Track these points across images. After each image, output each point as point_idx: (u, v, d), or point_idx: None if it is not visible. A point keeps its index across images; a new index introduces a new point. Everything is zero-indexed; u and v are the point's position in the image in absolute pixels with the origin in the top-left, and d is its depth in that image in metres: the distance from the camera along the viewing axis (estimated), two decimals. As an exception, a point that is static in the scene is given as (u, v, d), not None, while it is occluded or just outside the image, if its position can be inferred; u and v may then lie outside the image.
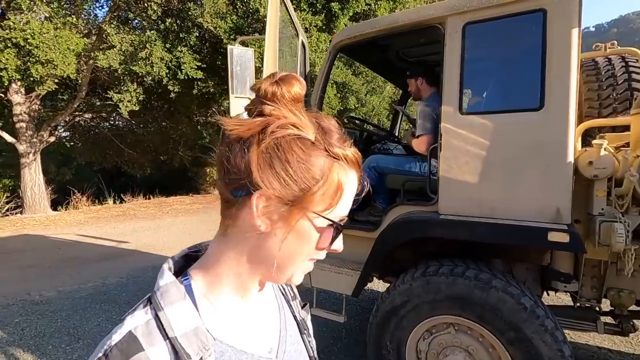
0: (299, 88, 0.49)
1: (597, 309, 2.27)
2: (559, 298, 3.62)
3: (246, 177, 0.47)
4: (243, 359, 0.52)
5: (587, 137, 2.31)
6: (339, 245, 0.53)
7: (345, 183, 0.49)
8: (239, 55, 1.97)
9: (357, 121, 3.49)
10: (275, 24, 1.81)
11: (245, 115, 0.52)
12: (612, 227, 1.72)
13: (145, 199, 13.53)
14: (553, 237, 1.68)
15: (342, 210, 0.50)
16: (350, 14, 8.55)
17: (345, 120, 3.24)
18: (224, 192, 0.50)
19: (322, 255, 0.53)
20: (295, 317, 0.68)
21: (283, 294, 0.70)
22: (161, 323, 0.46)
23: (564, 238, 1.66)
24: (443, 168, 2.04)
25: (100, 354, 0.43)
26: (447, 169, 2.02)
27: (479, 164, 1.93)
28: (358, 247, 2.52)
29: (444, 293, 1.91)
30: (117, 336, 0.45)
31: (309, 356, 0.67)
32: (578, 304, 2.27)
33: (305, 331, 0.69)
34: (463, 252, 2.14)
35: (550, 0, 1.77)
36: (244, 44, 2.50)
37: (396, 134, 4.07)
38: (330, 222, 0.49)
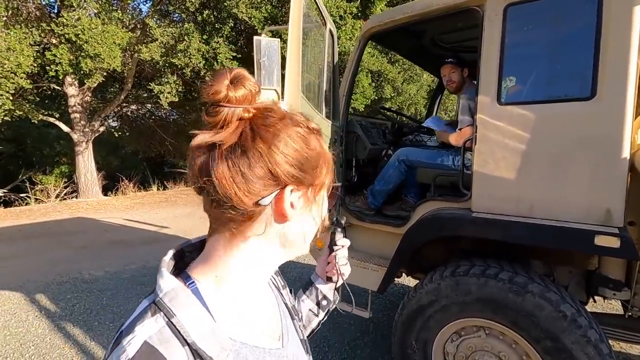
0: (251, 83, 0.50)
1: (652, 320, 2.05)
2: (610, 304, 3.33)
3: (271, 179, 0.49)
4: (257, 354, 0.53)
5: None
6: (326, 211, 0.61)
7: (330, 160, 0.57)
8: (266, 46, 1.95)
9: (387, 112, 3.37)
10: (299, 10, 1.76)
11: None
12: (673, 231, 1.53)
13: (186, 186, 14.17)
14: (601, 241, 1.52)
15: (330, 179, 0.58)
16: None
17: (379, 110, 3.14)
18: (245, 205, 0.48)
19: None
20: (286, 304, 0.71)
21: (275, 285, 0.71)
22: (177, 329, 0.45)
23: (614, 243, 1.49)
24: (478, 162, 1.90)
25: None
26: (482, 164, 1.89)
27: (518, 159, 1.78)
28: (386, 242, 2.46)
29: (474, 295, 1.81)
30: (132, 349, 0.42)
31: (300, 339, 0.69)
32: (630, 314, 2.06)
33: (296, 317, 0.72)
34: (499, 252, 2.01)
35: (608, -26, 1.56)
36: (273, 34, 2.48)
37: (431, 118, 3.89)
38: (333, 187, 0.58)
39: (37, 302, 3.86)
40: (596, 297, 2.20)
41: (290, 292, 0.78)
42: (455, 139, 2.41)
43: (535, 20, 1.81)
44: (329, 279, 0.91)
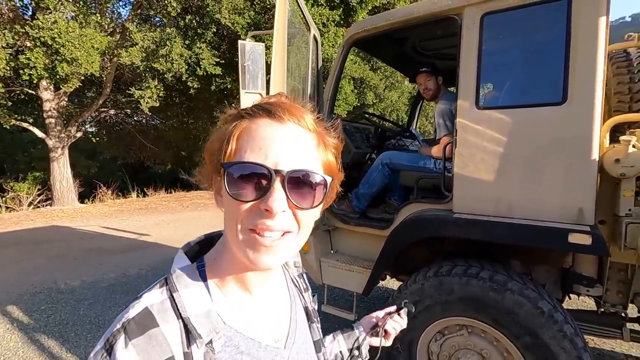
0: None
1: (623, 315, 2.15)
2: (584, 302, 3.46)
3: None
4: (250, 345, 0.53)
5: (615, 134, 2.17)
6: (243, 190, 0.47)
7: (245, 131, 0.50)
8: (251, 51, 1.96)
9: (370, 116, 3.43)
10: (284, 17, 1.78)
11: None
12: (640, 229, 1.62)
13: (167, 193, 13.89)
14: (574, 238, 1.59)
15: (245, 156, 0.48)
16: (369, 8, 8.42)
17: (363, 115, 3.20)
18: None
19: (253, 217, 0.48)
20: (306, 307, 0.71)
21: (296, 286, 0.72)
22: (175, 303, 0.49)
23: (586, 240, 1.57)
24: (458, 165, 1.96)
25: (119, 326, 0.45)
26: (462, 166, 1.95)
27: (496, 161, 1.84)
28: (370, 244, 2.49)
29: (457, 294, 1.85)
30: (134, 311, 0.47)
31: (314, 341, 0.69)
32: (602, 310, 2.16)
33: (315, 319, 0.73)
34: (480, 253, 2.07)
35: (576, -13, 1.66)
36: (257, 39, 2.50)
37: (413, 130, 3.98)
38: (222, 165, 0.49)
39: (9, 314, 3.68)
40: (572, 295, 2.29)
41: (313, 296, 0.78)
42: (435, 151, 2.49)
43: (510, 29, 1.90)
44: (372, 333, 0.91)
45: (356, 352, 0.90)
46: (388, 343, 0.92)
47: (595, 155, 1.62)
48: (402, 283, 2.21)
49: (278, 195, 0.47)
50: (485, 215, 1.86)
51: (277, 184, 0.47)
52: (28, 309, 3.79)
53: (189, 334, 0.48)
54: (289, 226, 0.50)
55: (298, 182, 0.49)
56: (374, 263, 2.26)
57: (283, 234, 0.49)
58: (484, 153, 1.87)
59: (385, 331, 0.91)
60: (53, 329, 3.37)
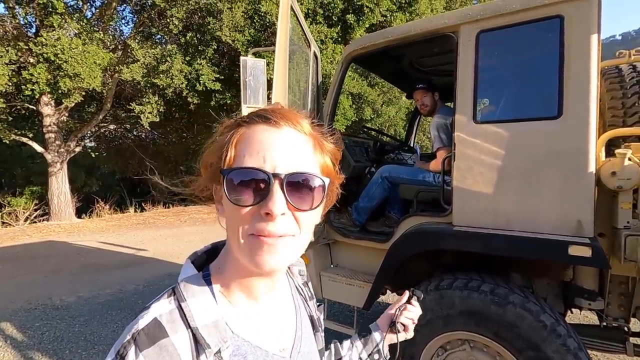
0: None
1: (626, 329, 2.13)
2: (586, 317, 3.43)
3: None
4: (258, 354, 0.53)
5: (611, 147, 2.21)
6: (242, 196, 0.47)
7: (243, 138, 0.51)
8: (252, 66, 2.00)
9: (369, 131, 3.47)
10: (285, 34, 1.83)
11: None
12: (639, 241, 1.62)
13: (165, 208, 13.82)
14: (574, 251, 1.60)
15: (243, 162, 0.49)
16: (366, 25, 8.62)
17: (362, 129, 3.25)
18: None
19: (253, 222, 0.48)
20: (311, 316, 0.71)
21: (300, 294, 0.72)
22: (184, 313, 0.49)
23: (586, 252, 1.57)
24: (457, 178, 1.98)
25: (129, 337, 0.46)
26: (461, 180, 1.97)
27: (494, 174, 1.87)
28: (370, 258, 2.48)
29: (458, 308, 1.84)
30: (143, 322, 0.47)
31: (319, 350, 0.69)
32: (605, 324, 2.14)
33: (320, 328, 0.73)
34: (480, 266, 2.07)
35: (567, 6, 1.72)
36: (258, 55, 2.55)
37: (411, 144, 4.03)
38: (221, 172, 0.49)
39: (2, 331, 3.61)
40: (574, 310, 2.27)
41: (318, 305, 0.77)
42: (433, 166, 2.52)
43: (505, 46, 1.96)
44: (391, 330, 0.91)
45: (376, 356, 0.90)
46: (410, 335, 0.92)
47: (591, 168, 1.65)
48: (402, 297, 2.19)
49: (277, 199, 0.47)
50: (484, 227, 1.87)
51: (276, 187, 0.47)
52: (22, 326, 3.72)
53: (198, 344, 0.48)
54: (290, 229, 0.50)
55: (296, 185, 0.49)
56: (374, 277, 2.25)
57: (284, 237, 0.49)
58: (482, 166, 1.90)
59: (404, 325, 0.91)
60: (47, 346, 3.30)
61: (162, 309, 0.49)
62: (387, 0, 8.49)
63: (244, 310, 0.55)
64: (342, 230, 2.57)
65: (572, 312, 2.55)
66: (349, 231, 2.59)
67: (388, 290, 2.90)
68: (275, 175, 0.48)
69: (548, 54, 1.79)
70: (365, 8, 8.37)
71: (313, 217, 0.53)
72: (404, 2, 9.02)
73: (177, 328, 0.48)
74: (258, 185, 0.48)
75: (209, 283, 0.54)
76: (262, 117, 0.52)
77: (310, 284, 0.79)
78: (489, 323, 1.77)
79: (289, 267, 0.73)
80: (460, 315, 1.84)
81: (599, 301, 1.95)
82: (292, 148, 0.50)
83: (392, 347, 0.92)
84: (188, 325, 0.48)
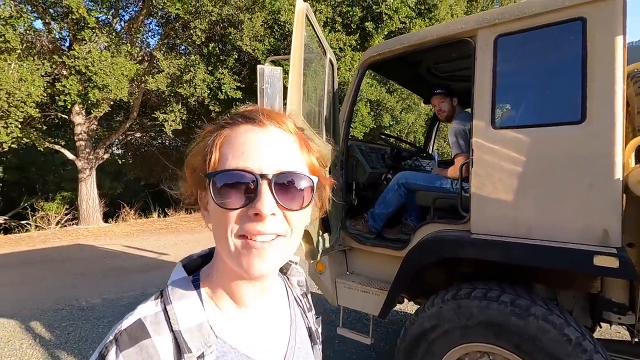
0: None
1: (660, 345, 2.00)
2: (618, 332, 3.25)
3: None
4: None
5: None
6: (230, 198, 0.47)
7: (227, 139, 0.50)
8: (269, 74, 2.04)
9: (386, 137, 3.45)
10: (300, 42, 1.86)
11: None
12: (672, 252, 1.53)
13: (187, 213, 14.13)
14: (600, 261, 1.53)
15: (228, 164, 0.48)
16: (385, 32, 8.61)
17: (379, 135, 3.23)
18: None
19: (242, 224, 0.47)
20: (309, 328, 0.69)
21: (298, 305, 0.70)
22: (168, 316, 0.49)
23: (613, 263, 1.50)
24: (475, 185, 1.94)
25: (111, 337, 0.46)
26: (479, 186, 1.93)
27: (514, 181, 1.81)
28: (386, 265, 2.45)
29: (476, 318, 1.78)
30: (127, 322, 0.47)
31: None
32: (636, 339, 2.02)
33: (318, 340, 0.71)
34: (500, 276, 2.00)
35: (590, 8, 1.67)
36: (275, 63, 2.60)
37: (430, 151, 3.97)
38: (206, 176, 0.48)
39: (32, 330, 3.77)
40: (603, 324, 2.16)
41: (317, 318, 0.75)
42: (451, 172, 2.48)
43: (524, 50, 1.91)
44: None
45: None
46: None
47: (618, 175, 1.57)
48: (419, 306, 2.15)
49: (266, 199, 0.46)
50: (503, 235, 1.81)
51: (264, 188, 0.46)
52: (50, 325, 3.88)
53: (180, 347, 0.47)
54: (281, 229, 0.49)
55: (285, 184, 0.48)
56: (391, 285, 2.22)
57: (275, 238, 0.48)
58: (501, 173, 1.85)
59: None
60: (72, 346, 3.42)
61: (147, 310, 0.49)
62: (406, 7, 8.47)
63: (232, 316, 0.54)
64: (358, 237, 2.56)
65: (600, 327, 2.42)
66: (365, 238, 2.57)
67: (405, 299, 2.84)
68: (263, 176, 0.47)
69: (570, 57, 1.74)
70: (384, 15, 8.37)
71: (303, 217, 0.53)
72: (423, 8, 8.97)
73: (160, 330, 0.47)
74: (246, 187, 0.47)
75: (197, 287, 0.53)
76: (245, 117, 0.51)
77: (309, 295, 0.77)
78: (509, 335, 1.70)
79: (287, 278, 0.72)
80: (479, 326, 1.78)
81: (630, 315, 1.85)
82: (278, 147, 0.50)
83: None
84: (171, 328, 0.48)
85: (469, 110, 2.51)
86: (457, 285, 1.96)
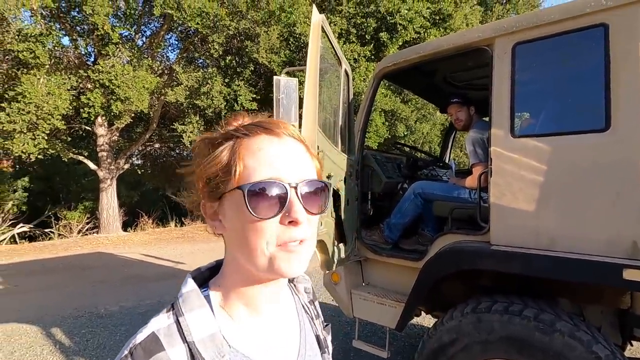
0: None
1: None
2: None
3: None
4: None
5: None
6: (264, 209, 0.48)
7: (249, 150, 0.50)
8: (285, 85, 2.07)
9: (401, 146, 3.43)
10: (316, 53, 1.88)
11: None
12: None
13: (203, 223, 14.29)
14: (630, 275, 1.45)
15: (258, 174, 0.49)
16: (400, 43, 8.64)
17: (394, 145, 3.22)
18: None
19: (279, 232, 0.49)
20: (317, 336, 0.69)
21: (306, 312, 0.70)
22: (181, 327, 0.50)
23: (644, 277, 1.43)
24: (494, 194, 1.89)
25: (126, 352, 0.47)
26: (498, 196, 1.88)
27: (535, 191, 1.76)
28: (403, 277, 2.40)
29: (498, 333, 1.72)
30: (141, 336, 0.48)
31: None
32: (671, 359, 1.91)
33: (326, 349, 0.70)
34: (522, 289, 1.93)
35: (612, 14, 1.63)
36: (290, 74, 2.64)
37: (447, 160, 3.92)
38: (237, 189, 0.49)
39: (52, 337, 3.86)
40: (634, 342, 2.05)
41: (325, 325, 0.76)
42: (469, 182, 2.44)
43: (543, 57, 1.88)
44: None
45: None
46: None
47: (647, 184, 1.51)
48: (437, 320, 2.09)
49: (299, 207, 0.49)
50: (525, 247, 1.76)
51: (294, 196, 0.49)
52: (70, 332, 3.96)
53: (194, 358, 0.48)
54: (308, 234, 0.52)
55: (308, 191, 0.51)
56: (408, 297, 2.17)
57: (301, 242, 0.51)
58: (522, 182, 1.80)
59: None
60: (91, 353, 3.47)
61: (160, 323, 0.50)
62: (420, 17, 8.49)
63: (244, 324, 0.55)
64: (374, 248, 2.52)
65: (632, 345, 2.30)
66: (380, 248, 2.54)
67: (422, 312, 2.78)
68: (291, 185, 0.50)
69: (591, 63, 1.70)
70: (398, 26, 8.41)
71: (318, 220, 0.56)
72: (438, 18, 8.97)
73: (174, 342, 0.48)
74: (278, 196, 0.49)
75: (207, 298, 0.54)
76: (263, 127, 0.53)
77: (317, 302, 0.76)
78: (532, 351, 1.63)
79: (294, 285, 0.72)
80: (501, 342, 1.72)
81: (664, 333, 1.75)
82: (297, 156, 0.53)
83: None
84: (185, 340, 0.49)
85: (486, 118, 2.47)
86: (476, 299, 1.90)
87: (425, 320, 3.88)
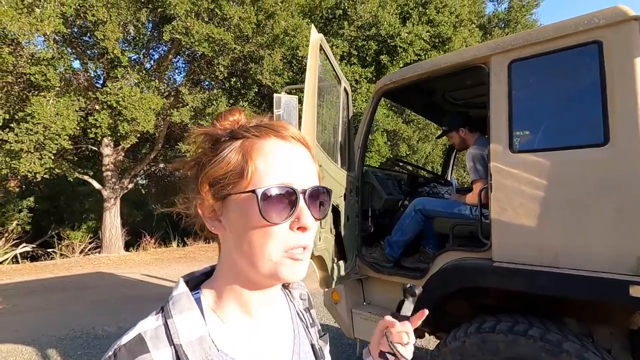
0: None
1: None
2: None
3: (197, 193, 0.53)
4: None
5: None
6: (275, 213, 0.47)
7: (260, 151, 0.50)
8: (286, 102, 2.11)
9: (403, 164, 3.43)
10: (314, 71, 1.92)
11: None
12: None
13: (206, 243, 14.23)
14: (636, 292, 1.41)
15: (270, 179, 0.48)
16: (400, 65, 8.82)
17: (394, 162, 3.22)
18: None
19: (286, 237, 0.48)
20: (313, 345, 0.67)
21: (301, 320, 0.68)
22: (169, 330, 0.48)
23: (652, 294, 1.38)
24: (495, 210, 1.87)
25: (110, 353, 0.46)
26: (499, 212, 1.86)
27: (536, 206, 1.74)
28: (405, 296, 2.34)
29: (502, 354, 1.66)
30: (127, 337, 0.47)
31: None
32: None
33: (322, 359, 0.68)
34: (526, 308, 1.88)
35: (605, 31, 1.66)
36: (290, 92, 2.69)
37: (448, 178, 3.91)
38: (250, 192, 0.48)
39: (47, 358, 3.77)
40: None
41: (324, 335, 0.74)
42: (470, 198, 2.42)
43: (540, 74, 1.90)
44: (381, 357, 0.74)
45: None
46: (409, 354, 0.73)
47: (649, 199, 1.49)
48: (440, 341, 2.02)
49: (307, 212, 0.50)
50: (528, 264, 1.72)
51: (303, 202, 0.49)
52: (66, 354, 3.87)
53: None
54: (312, 239, 0.52)
55: (313, 197, 0.52)
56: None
57: (304, 249, 0.51)
58: (522, 197, 1.78)
59: (395, 354, 0.70)
60: (85, 375, 3.38)
61: (148, 325, 0.49)
62: (420, 40, 8.70)
63: (236, 328, 0.54)
64: (375, 266, 2.48)
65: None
66: (381, 266, 2.49)
67: (426, 333, 2.69)
68: (301, 191, 0.50)
69: (588, 79, 1.72)
70: (398, 48, 8.63)
71: (318, 225, 0.57)
72: (437, 41, 9.20)
73: (159, 344, 0.47)
74: (288, 200, 0.49)
75: (198, 300, 0.53)
76: (271, 129, 0.52)
77: (313, 311, 0.74)
78: (540, 373, 1.57)
79: (289, 291, 0.71)
80: (506, 363, 1.65)
81: (677, 355, 1.67)
82: (305, 162, 0.53)
83: None
84: (171, 342, 0.48)
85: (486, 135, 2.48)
86: (480, 318, 1.84)
87: (430, 343, 3.76)
